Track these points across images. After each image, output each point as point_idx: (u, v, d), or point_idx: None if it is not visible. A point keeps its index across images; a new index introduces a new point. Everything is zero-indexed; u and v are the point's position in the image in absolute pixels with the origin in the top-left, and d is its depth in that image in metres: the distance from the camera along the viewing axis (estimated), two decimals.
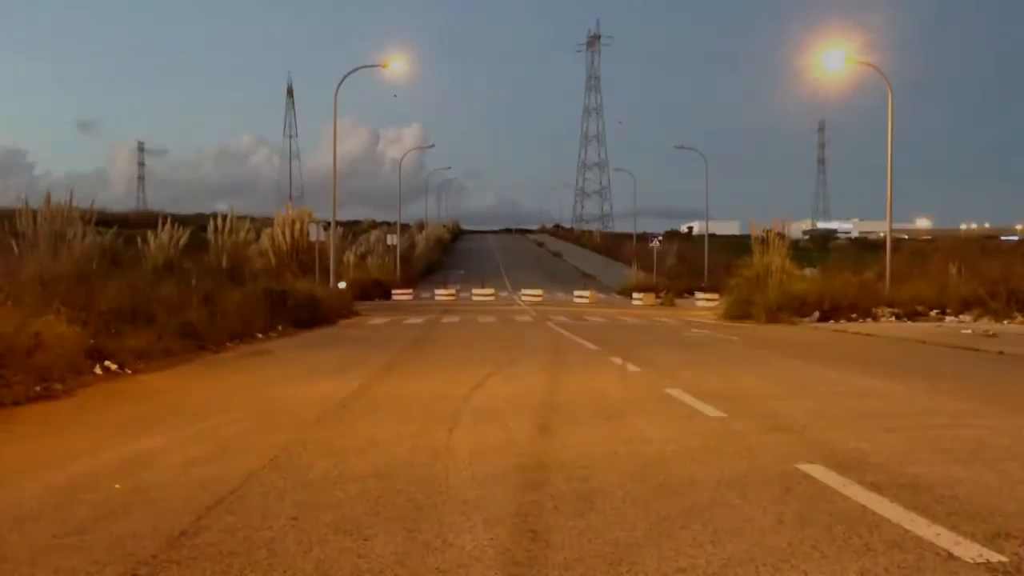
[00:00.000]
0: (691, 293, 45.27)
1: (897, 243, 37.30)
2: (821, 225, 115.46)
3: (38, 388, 8.74)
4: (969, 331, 19.40)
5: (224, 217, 29.15)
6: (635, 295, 47.11)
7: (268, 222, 37.48)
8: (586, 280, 56.43)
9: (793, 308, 25.44)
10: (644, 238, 65.28)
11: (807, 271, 31.48)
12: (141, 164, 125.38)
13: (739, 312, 27.44)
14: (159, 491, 4.88)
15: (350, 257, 48.07)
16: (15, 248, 17.28)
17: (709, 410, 7.74)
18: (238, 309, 17.40)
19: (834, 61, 30.04)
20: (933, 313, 25.06)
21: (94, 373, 10.37)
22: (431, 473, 5.29)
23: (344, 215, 74.41)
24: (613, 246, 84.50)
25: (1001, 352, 14.47)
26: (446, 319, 26.37)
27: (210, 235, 28.88)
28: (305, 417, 7.50)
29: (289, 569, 3.58)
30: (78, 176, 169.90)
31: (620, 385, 9.97)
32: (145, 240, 25.16)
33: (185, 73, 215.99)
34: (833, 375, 11.06)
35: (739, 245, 48.94)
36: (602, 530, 4.07)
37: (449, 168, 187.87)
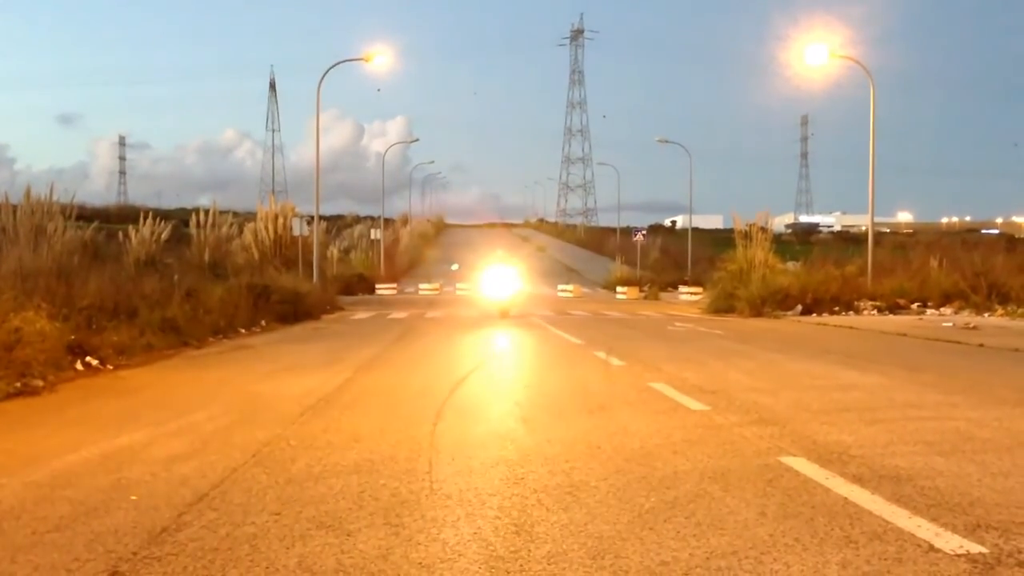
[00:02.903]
0: (675, 287, 45.34)
1: (879, 237, 37.54)
2: (804, 219, 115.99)
3: (18, 384, 8.66)
4: (950, 324, 19.55)
5: (206, 212, 29.06)
6: (619, 289, 47.20)
7: (251, 217, 37.31)
8: (570, 274, 56.52)
9: (776, 302, 25.54)
10: (628, 232, 65.33)
11: (790, 265, 31.61)
12: (122, 158, 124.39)
13: (722, 306, 27.53)
14: (140, 487, 4.85)
15: (334, 252, 47.99)
16: None
17: (692, 404, 7.77)
18: (221, 304, 17.30)
19: (817, 55, 30.11)
20: (915, 306, 25.24)
21: (75, 369, 10.29)
22: (414, 467, 5.28)
23: (327, 209, 74.27)
24: (597, 240, 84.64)
25: (982, 345, 14.59)
26: (430, 314, 26.32)
27: (192, 230, 28.79)
28: (288, 412, 7.47)
29: (272, 564, 3.56)
30: (59, 170, 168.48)
31: (604, 379, 9.99)
32: (127, 235, 25.07)
33: (167, 67, 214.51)
34: (815, 368, 11.11)
35: (722, 239, 49.16)
36: (585, 524, 4.07)
37: (433, 162, 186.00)
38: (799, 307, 25.17)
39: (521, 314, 23.66)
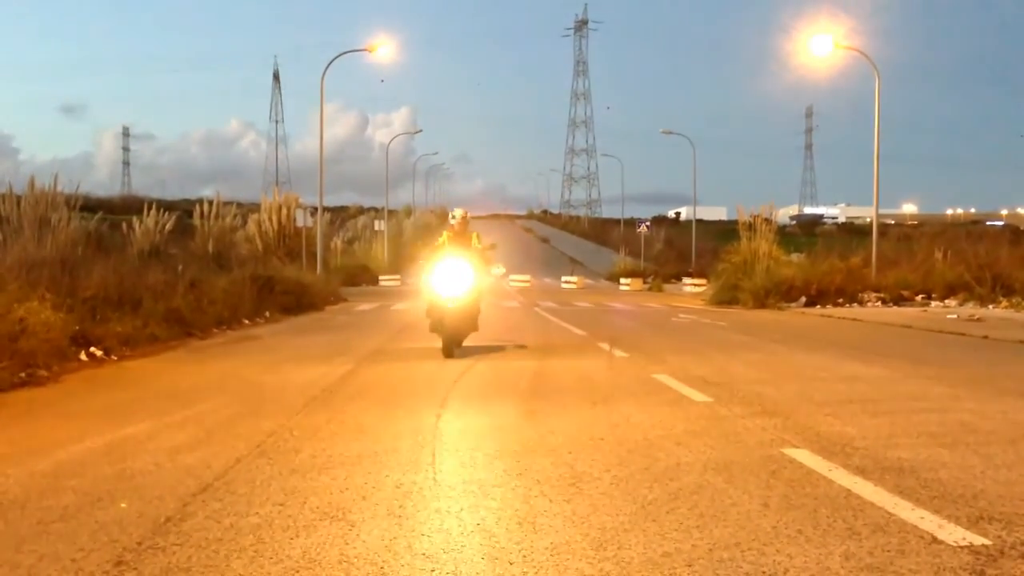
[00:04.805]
0: (679, 279, 45.38)
1: (883, 228, 37.45)
2: (808, 211, 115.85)
3: (23, 374, 8.69)
4: (954, 316, 19.52)
5: (210, 203, 29.04)
6: (623, 281, 47.27)
7: (255, 208, 37.36)
8: (574, 266, 56.56)
9: (780, 293, 25.53)
10: (632, 224, 65.39)
11: (794, 256, 31.58)
12: (126, 149, 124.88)
13: (726, 298, 27.53)
14: (144, 477, 4.87)
15: (337, 243, 48.07)
16: None
17: (695, 395, 7.77)
18: (225, 295, 17.34)
19: (822, 47, 30.05)
20: (919, 298, 25.20)
21: (79, 359, 10.33)
22: (418, 458, 5.29)
23: (331, 201, 74.27)
24: (601, 232, 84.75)
25: (986, 337, 14.56)
26: None
27: (196, 221, 28.78)
28: (292, 403, 7.49)
29: (276, 555, 3.57)
30: (63, 161, 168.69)
31: (607, 371, 9.99)
32: (131, 226, 25.04)
33: (171, 57, 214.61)
34: (819, 360, 11.10)
35: (726, 231, 49.11)
36: (588, 515, 4.08)
37: (437, 153, 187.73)
38: (803, 299, 25.16)
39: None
